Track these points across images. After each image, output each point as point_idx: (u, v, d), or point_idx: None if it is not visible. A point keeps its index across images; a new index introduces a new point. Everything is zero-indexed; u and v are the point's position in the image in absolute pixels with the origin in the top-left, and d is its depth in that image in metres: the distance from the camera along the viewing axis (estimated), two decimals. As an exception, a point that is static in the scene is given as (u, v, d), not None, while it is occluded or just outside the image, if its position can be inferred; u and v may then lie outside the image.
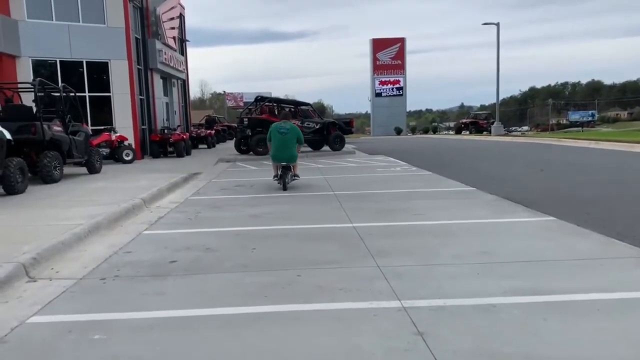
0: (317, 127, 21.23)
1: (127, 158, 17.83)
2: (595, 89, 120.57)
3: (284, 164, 10.30)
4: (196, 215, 7.65)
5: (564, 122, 72.32)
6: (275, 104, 21.74)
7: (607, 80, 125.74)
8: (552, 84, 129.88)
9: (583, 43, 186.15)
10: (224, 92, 76.56)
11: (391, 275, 4.40)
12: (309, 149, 22.35)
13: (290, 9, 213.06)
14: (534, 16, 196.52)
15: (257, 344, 3.14)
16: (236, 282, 4.38)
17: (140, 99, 21.17)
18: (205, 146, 27.79)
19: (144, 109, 21.59)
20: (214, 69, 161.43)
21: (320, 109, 74.32)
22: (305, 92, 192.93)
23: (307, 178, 12.49)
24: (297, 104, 22.97)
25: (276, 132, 10.48)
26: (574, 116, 58.86)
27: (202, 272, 4.72)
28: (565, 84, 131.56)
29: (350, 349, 3.04)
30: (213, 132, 29.88)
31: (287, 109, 21.79)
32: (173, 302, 3.92)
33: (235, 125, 28.03)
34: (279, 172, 10.37)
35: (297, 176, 10.85)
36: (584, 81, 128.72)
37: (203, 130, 28.84)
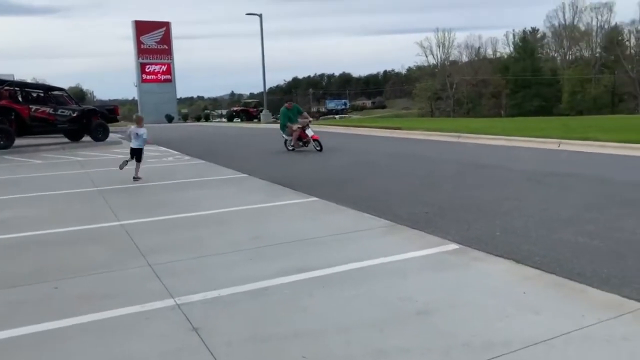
0: (75, 115, 18.94)
1: None
2: (346, 80, 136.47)
3: None
4: None
5: (323, 110, 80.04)
6: (18, 89, 18.57)
7: (355, 73, 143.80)
8: (312, 75, 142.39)
9: (335, 38, 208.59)
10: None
11: (164, 273, 4.20)
12: (66, 140, 19.87)
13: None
14: (295, 10, 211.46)
15: (0, 379, 2.63)
16: (-31, 308, 3.60)
17: None
18: None
19: None
20: None
21: (78, 95, 66.67)
22: (59, 76, 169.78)
23: (64, 174, 11.07)
24: (47, 88, 20.07)
25: None
26: (331, 104, 65.86)
27: None
28: (322, 76, 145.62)
29: (119, 361, 2.79)
30: None
31: (35, 95, 18.92)
32: None
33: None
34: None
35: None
36: (337, 73, 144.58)
37: None
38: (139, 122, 10.09)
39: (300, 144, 14.46)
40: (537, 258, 4.34)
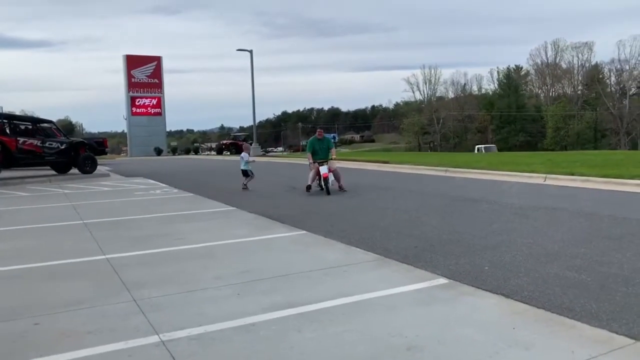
0: (63, 147, 18.86)
1: None
2: (335, 114, 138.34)
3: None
4: None
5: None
6: (6, 121, 18.49)
7: (344, 108, 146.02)
8: (301, 109, 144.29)
9: (324, 74, 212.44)
10: None
11: (149, 308, 4.11)
12: (53, 172, 19.71)
13: (29, 14, 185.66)
14: (285, 46, 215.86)
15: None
16: (-55, 345, 3.47)
17: None
18: None
19: None
20: None
21: (67, 128, 66.64)
22: (48, 108, 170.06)
23: (50, 206, 10.93)
24: (36, 121, 20.02)
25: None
26: (320, 138, 66.26)
27: None
28: (311, 110, 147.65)
29: (100, 401, 2.70)
30: None
31: (22, 127, 18.84)
32: None
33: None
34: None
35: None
36: (326, 108, 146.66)
37: None
38: (244, 149, 14.55)
39: (316, 184, 12.13)
40: (526, 292, 4.34)
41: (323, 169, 11.80)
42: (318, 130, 13.00)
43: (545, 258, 5.50)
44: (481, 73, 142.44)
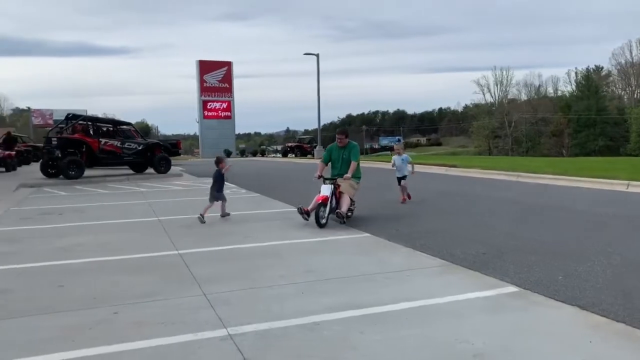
0: (140, 148, 19.98)
1: None
2: (400, 117, 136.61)
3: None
4: (-13, 251, 6.51)
5: (376, 146, 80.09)
6: (90, 123, 19.88)
7: (410, 110, 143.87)
8: (366, 112, 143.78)
9: (390, 76, 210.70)
10: (29, 108, 67.66)
11: (218, 302, 4.27)
12: (131, 172, 20.91)
13: (113, 22, 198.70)
14: (351, 49, 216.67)
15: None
16: (37, 327, 3.79)
17: None
18: (4, 169, 24.07)
19: None
20: (16, 83, 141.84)
21: (144, 130, 70.44)
22: (127, 112, 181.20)
23: (128, 203, 11.61)
24: (116, 123, 21.35)
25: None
26: (384, 141, 65.88)
27: (-9, 319, 3.99)
28: (376, 113, 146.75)
29: (171, 388, 2.84)
30: (14, 153, 26.03)
31: (104, 129, 20.16)
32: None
33: (42, 145, 24.87)
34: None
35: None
36: (391, 110, 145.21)
37: (0, 151, 24.95)
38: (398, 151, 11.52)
39: (325, 213, 7.90)
40: (605, 305, 4.08)
41: (325, 189, 7.95)
42: (338, 135, 8.73)
43: (626, 269, 5.14)
44: (557, 74, 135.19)
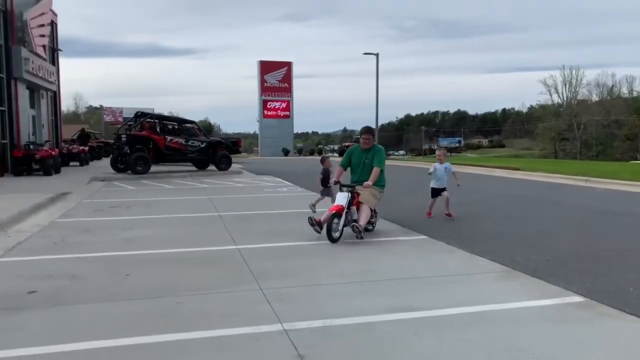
0: (203, 145, 20.70)
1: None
2: (461, 118, 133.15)
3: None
4: (62, 240, 6.98)
5: (435, 147, 78.49)
6: (157, 121, 20.82)
7: (471, 111, 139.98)
8: (425, 113, 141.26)
9: (451, 76, 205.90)
10: (101, 106, 71.86)
11: (274, 297, 4.37)
12: (194, 168, 21.70)
13: (179, 25, 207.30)
14: (410, 49, 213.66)
15: (128, 380, 2.90)
16: (106, 313, 4.04)
17: (1, 111, 19.02)
18: (78, 163, 25.67)
19: (4, 122, 19.39)
20: (91, 82, 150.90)
21: (207, 128, 72.85)
22: (191, 110, 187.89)
23: (191, 199, 12.07)
24: (181, 121, 22.24)
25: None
26: (444, 142, 64.46)
27: (66, 302, 4.29)
28: (436, 113, 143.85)
29: (229, 378, 2.94)
30: (87, 148, 27.71)
31: (170, 126, 21.03)
32: (33, 338, 3.50)
33: (112, 141, 26.31)
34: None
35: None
36: (451, 111, 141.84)
37: (75, 146, 26.62)
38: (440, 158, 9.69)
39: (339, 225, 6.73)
40: (681, 321, 3.81)
41: (340, 198, 6.91)
42: (364, 135, 7.60)
43: None
44: (633, 73, 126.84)
